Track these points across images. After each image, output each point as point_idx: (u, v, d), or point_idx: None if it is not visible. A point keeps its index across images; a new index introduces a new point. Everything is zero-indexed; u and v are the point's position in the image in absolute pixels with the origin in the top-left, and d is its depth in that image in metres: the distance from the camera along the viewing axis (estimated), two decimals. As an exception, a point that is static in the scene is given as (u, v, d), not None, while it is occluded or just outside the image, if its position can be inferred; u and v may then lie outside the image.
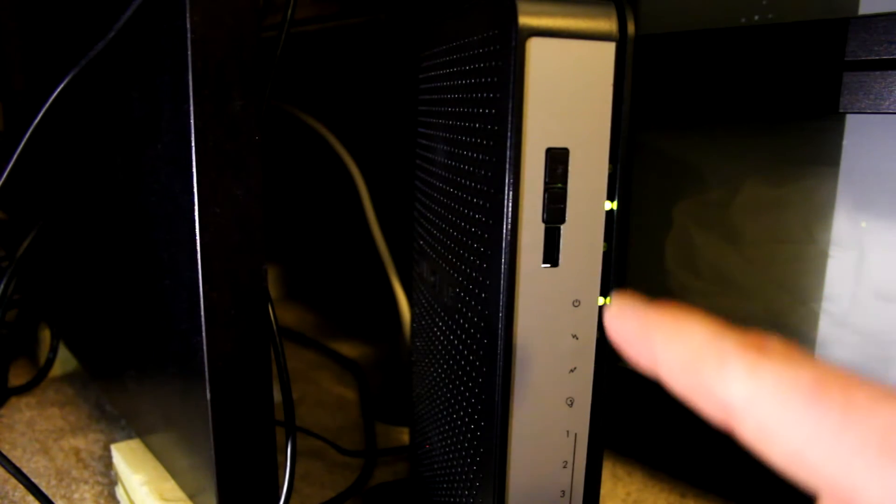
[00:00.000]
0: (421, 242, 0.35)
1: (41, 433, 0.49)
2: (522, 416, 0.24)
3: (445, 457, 0.31)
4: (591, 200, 0.23)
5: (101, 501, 0.41)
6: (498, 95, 0.23)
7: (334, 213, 0.71)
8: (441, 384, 0.31)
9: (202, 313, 0.28)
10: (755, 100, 0.38)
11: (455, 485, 0.30)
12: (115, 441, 0.43)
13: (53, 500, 0.41)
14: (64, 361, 0.57)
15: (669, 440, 0.45)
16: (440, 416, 0.32)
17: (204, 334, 0.28)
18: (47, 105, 0.31)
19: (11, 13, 0.48)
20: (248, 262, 0.28)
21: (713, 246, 0.42)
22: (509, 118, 0.22)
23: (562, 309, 0.24)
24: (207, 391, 0.29)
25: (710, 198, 0.42)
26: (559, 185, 0.23)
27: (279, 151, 0.70)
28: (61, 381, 0.57)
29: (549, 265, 0.23)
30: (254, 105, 0.27)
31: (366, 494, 0.42)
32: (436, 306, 0.31)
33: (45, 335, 0.57)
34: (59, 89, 0.30)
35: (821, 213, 0.37)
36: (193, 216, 0.27)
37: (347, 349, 0.66)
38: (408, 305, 0.53)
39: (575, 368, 0.24)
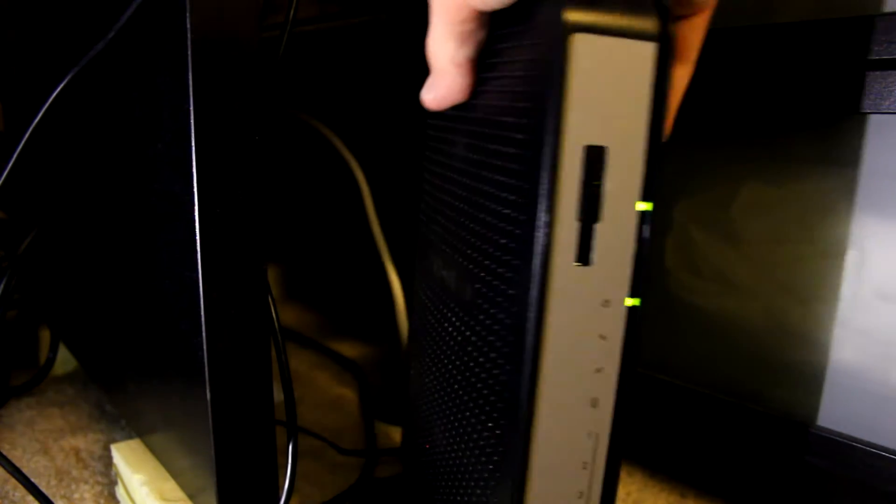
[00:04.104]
0: (431, 237, 0.34)
1: (41, 433, 0.49)
2: (546, 416, 0.24)
3: (455, 455, 0.31)
4: (624, 200, 0.23)
5: (101, 501, 0.41)
6: (536, 89, 0.23)
7: (334, 213, 0.71)
8: (452, 381, 0.31)
9: (202, 313, 0.28)
10: (774, 101, 0.37)
11: (465, 483, 0.30)
12: (115, 441, 0.43)
13: (53, 499, 0.41)
14: (64, 361, 0.57)
15: (669, 440, 0.45)
16: (448, 414, 0.31)
17: (204, 334, 0.28)
18: (47, 105, 0.31)
19: (11, 13, 0.48)
20: (248, 262, 0.28)
21: (713, 246, 0.42)
22: (549, 113, 0.22)
23: (591, 309, 0.24)
24: (207, 391, 0.29)
25: (711, 197, 0.42)
26: (596, 183, 0.23)
27: (280, 151, 0.70)
28: (61, 381, 0.57)
29: (581, 264, 0.23)
30: (254, 105, 0.27)
31: (361, 491, 0.42)
32: (449, 303, 0.31)
33: (45, 335, 0.57)
34: (59, 89, 0.30)
35: (832, 213, 0.37)
36: (193, 216, 0.27)
37: (347, 349, 0.66)
38: (404, 304, 0.53)
39: (601, 369, 0.24)
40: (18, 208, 0.58)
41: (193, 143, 0.26)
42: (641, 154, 0.23)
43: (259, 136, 0.27)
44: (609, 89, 0.22)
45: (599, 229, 0.23)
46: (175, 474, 0.37)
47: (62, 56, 0.39)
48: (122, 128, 0.33)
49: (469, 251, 0.29)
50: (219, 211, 0.27)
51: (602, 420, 0.25)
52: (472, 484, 0.29)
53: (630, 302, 0.24)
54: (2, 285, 0.47)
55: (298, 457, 0.33)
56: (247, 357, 0.30)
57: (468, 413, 0.29)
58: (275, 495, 0.32)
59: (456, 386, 0.30)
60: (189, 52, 0.25)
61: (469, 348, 0.29)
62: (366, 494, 0.42)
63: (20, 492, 0.41)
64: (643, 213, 0.24)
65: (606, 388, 0.25)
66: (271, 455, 0.32)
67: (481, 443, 0.28)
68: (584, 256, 0.23)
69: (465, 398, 0.29)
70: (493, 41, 0.27)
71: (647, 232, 0.24)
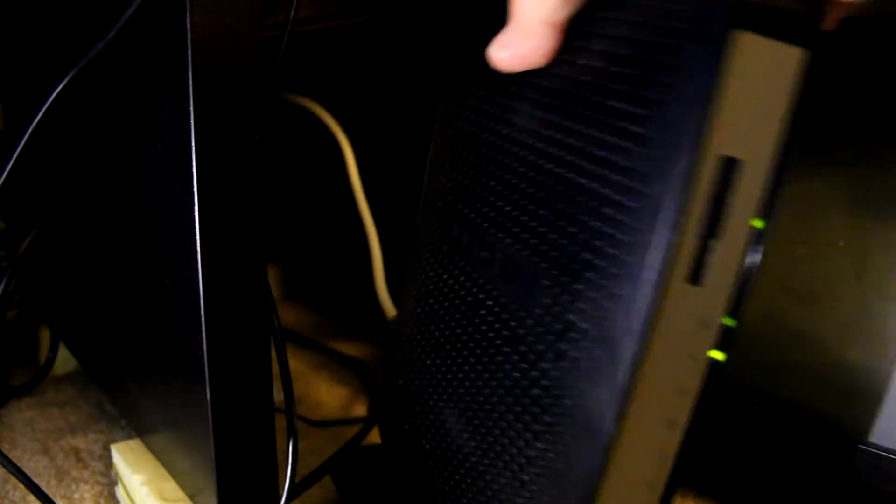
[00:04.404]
0: (454, 210, 0.31)
1: (41, 433, 0.49)
2: (627, 434, 0.23)
3: (487, 463, 0.29)
4: (743, 217, 0.22)
5: (101, 501, 0.41)
6: (668, 81, 0.21)
7: (335, 212, 0.71)
8: (487, 380, 0.29)
9: (202, 313, 0.28)
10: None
11: (499, 495, 0.28)
12: (115, 441, 0.43)
13: (54, 499, 0.41)
14: (64, 361, 0.57)
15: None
16: (482, 416, 0.29)
17: (204, 334, 0.28)
18: (47, 105, 0.31)
19: (11, 13, 0.48)
20: (248, 262, 0.28)
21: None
22: (689, 115, 0.20)
23: (690, 329, 0.22)
24: (207, 391, 0.29)
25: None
26: (724, 197, 0.21)
27: (281, 150, 0.70)
28: (61, 381, 0.57)
29: (691, 284, 0.21)
30: (254, 105, 0.27)
31: (340, 460, 0.41)
32: (489, 288, 0.29)
33: (45, 335, 0.57)
34: (59, 89, 0.30)
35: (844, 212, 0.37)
36: (193, 216, 0.27)
37: (348, 349, 0.66)
38: (383, 272, 0.52)
39: (683, 390, 0.23)
40: (18, 208, 0.58)
41: (193, 143, 0.26)
42: (769, 168, 0.21)
43: (259, 136, 0.27)
44: (757, 96, 0.20)
45: (714, 247, 0.21)
46: (175, 474, 0.37)
47: (62, 56, 0.39)
48: (122, 128, 0.33)
49: (538, 242, 0.26)
50: (219, 211, 0.27)
51: (673, 441, 0.24)
52: (510, 496, 0.28)
53: (727, 322, 0.23)
54: (2, 285, 0.47)
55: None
56: (247, 357, 0.30)
57: (515, 419, 0.27)
58: (275, 495, 0.32)
59: (496, 385, 0.29)
60: (189, 52, 0.25)
61: (524, 349, 0.27)
62: (345, 463, 0.40)
63: (20, 492, 0.41)
64: (757, 231, 0.22)
65: (684, 410, 0.23)
66: (271, 455, 0.32)
67: (531, 453, 0.26)
68: (695, 276, 0.21)
69: (511, 402, 0.27)
70: (633, 25, 0.23)
71: (757, 250, 0.22)
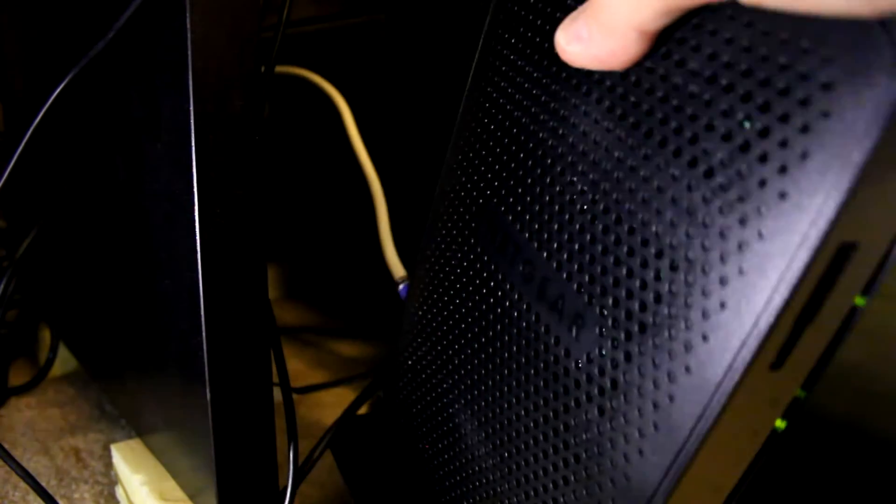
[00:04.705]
0: (507, 214, 0.26)
1: (41, 433, 0.49)
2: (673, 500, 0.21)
3: (501, 476, 0.27)
4: (847, 299, 0.19)
5: (101, 501, 0.41)
6: (809, 150, 0.17)
7: (336, 212, 0.71)
8: (511, 406, 0.26)
9: (202, 313, 0.28)
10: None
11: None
12: (115, 441, 0.43)
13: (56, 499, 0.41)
14: (64, 361, 0.57)
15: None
16: (501, 437, 0.27)
17: (204, 334, 0.28)
18: (47, 105, 0.31)
19: (11, 13, 0.48)
20: (247, 262, 0.28)
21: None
22: (818, 191, 0.16)
23: (759, 407, 0.20)
24: (207, 391, 0.29)
25: None
26: (832, 283, 0.18)
27: (282, 147, 0.70)
28: (61, 381, 0.57)
29: (773, 369, 0.19)
30: (254, 105, 0.27)
31: (336, 434, 0.40)
32: (529, 305, 0.25)
33: (45, 335, 0.57)
34: (59, 89, 0.30)
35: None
36: (193, 216, 0.27)
37: (348, 349, 0.66)
38: (398, 259, 0.50)
39: (737, 462, 0.22)
40: (19, 208, 0.58)
41: (193, 143, 0.26)
42: (885, 248, 0.18)
43: (259, 136, 0.27)
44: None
45: (808, 331, 0.19)
46: (175, 474, 0.37)
47: (62, 56, 0.39)
48: (122, 127, 0.33)
49: (589, 282, 0.22)
50: (219, 211, 0.27)
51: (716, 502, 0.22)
52: None
53: (800, 394, 0.21)
54: (2, 285, 0.47)
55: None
56: (247, 357, 0.30)
57: (543, 456, 0.25)
58: (275, 495, 0.32)
59: (524, 414, 0.26)
60: (189, 52, 0.25)
61: (559, 389, 0.24)
62: (343, 434, 0.40)
63: (20, 492, 0.41)
64: (855, 309, 0.19)
65: (732, 478, 0.22)
66: (271, 455, 0.32)
67: (559, 497, 0.24)
68: (780, 362, 0.19)
69: (541, 439, 0.25)
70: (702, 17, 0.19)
71: (849, 327, 0.20)
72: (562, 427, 0.24)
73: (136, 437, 0.42)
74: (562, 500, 0.24)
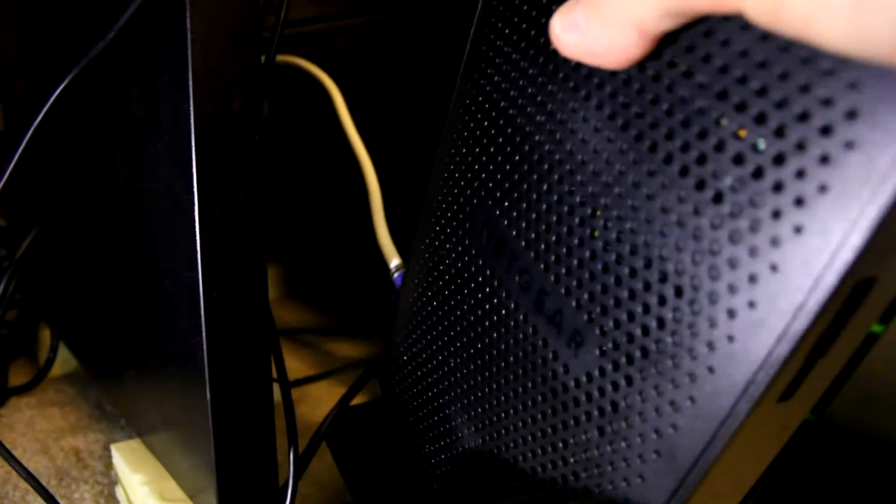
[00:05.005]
0: (502, 219, 0.25)
1: (41, 433, 0.49)
2: None
3: (499, 479, 0.27)
4: (862, 331, 0.18)
5: (101, 501, 0.41)
6: (829, 183, 0.15)
7: (335, 212, 0.71)
8: (508, 417, 0.26)
9: (202, 313, 0.28)
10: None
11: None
12: (115, 441, 0.43)
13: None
14: (64, 361, 0.57)
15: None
16: (499, 446, 0.27)
17: (204, 334, 0.28)
18: (48, 106, 0.31)
19: (12, 13, 0.48)
20: (248, 262, 0.28)
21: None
22: (836, 226, 0.15)
23: (767, 435, 0.20)
24: (207, 391, 0.29)
25: None
26: (847, 315, 0.17)
27: (282, 144, 0.70)
28: (61, 381, 0.57)
29: (782, 401, 0.18)
30: (254, 105, 0.27)
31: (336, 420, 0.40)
32: (519, 307, 0.25)
33: (45, 335, 0.57)
34: (59, 89, 0.30)
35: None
36: (193, 216, 0.27)
37: (347, 349, 0.66)
38: (392, 246, 0.49)
39: (740, 484, 0.21)
40: (18, 208, 0.58)
41: (193, 143, 0.26)
42: None
43: (259, 136, 0.27)
44: None
45: (820, 364, 0.18)
46: (175, 474, 0.37)
47: (62, 56, 0.39)
48: (122, 127, 0.33)
49: (588, 301, 0.21)
50: (219, 211, 0.27)
51: None
52: None
53: (806, 417, 0.20)
54: (2, 285, 0.47)
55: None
56: (246, 357, 0.30)
57: (542, 470, 0.24)
58: (275, 495, 0.32)
59: (522, 426, 0.25)
60: (189, 52, 0.25)
61: (557, 405, 0.23)
62: (338, 422, 0.39)
63: (20, 492, 0.41)
64: (872, 336, 0.19)
65: (734, 500, 0.21)
66: (271, 455, 0.32)
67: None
68: (789, 394, 0.18)
69: (540, 454, 0.24)
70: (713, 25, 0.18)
71: (863, 355, 0.19)
72: (560, 444, 0.23)
73: (136, 437, 0.42)
74: None
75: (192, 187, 0.26)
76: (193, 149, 0.26)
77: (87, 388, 0.55)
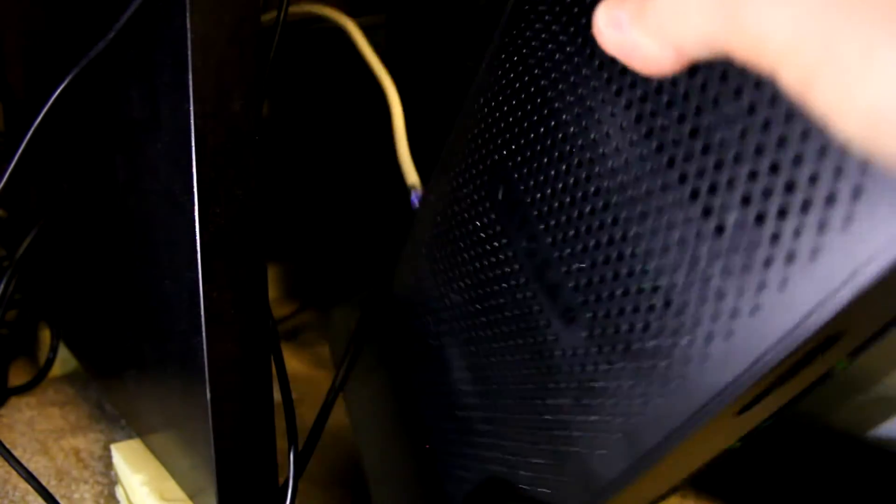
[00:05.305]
0: (519, 183, 0.25)
1: (41, 433, 0.49)
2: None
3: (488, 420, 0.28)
4: (820, 369, 0.19)
5: (101, 501, 0.41)
6: (822, 252, 0.16)
7: (336, 211, 0.71)
8: (503, 366, 0.27)
9: (202, 313, 0.28)
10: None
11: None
12: (115, 441, 0.43)
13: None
14: (64, 361, 0.57)
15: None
16: (492, 392, 0.28)
17: (204, 334, 0.28)
18: (48, 106, 0.31)
19: (11, 13, 0.48)
20: (248, 262, 0.28)
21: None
22: (820, 300, 0.16)
23: (718, 440, 0.22)
24: (207, 391, 0.29)
25: None
26: (811, 359, 0.18)
27: (282, 144, 0.70)
28: (61, 381, 0.57)
29: (738, 414, 0.20)
30: (254, 105, 0.27)
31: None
32: (533, 289, 0.25)
33: (45, 335, 0.57)
34: (59, 90, 0.30)
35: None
36: (193, 216, 0.27)
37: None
38: (412, 166, 0.48)
39: (677, 476, 0.24)
40: (19, 208, 0.58)
41: (193, 143, 0.26)
42: (872, 332, 0.19)
43: (258, 136, 0.27)
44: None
45: (778, 390, 0.19)
46: (175, 474, 0.37)
47: (62, 56, 0.39)
48: (122, 127, 0.33)
49: (587, 285, 0.22)
50: (219, 211, 0.27)
51: None
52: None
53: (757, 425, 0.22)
54: (2, 285, 0.47)
55: (298, 457, 0.33)
56: (246, 357, 0.30)
57: (529, 427, 0.26)
58: (275, 495, 0.32)
59: (515, 382, 0.26)
60: (189, 52, 0.25)
61: (545, 369, 0.24)
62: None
63: (20, 492, 0.41)
64: (832, 370, 0.20)
65: (680, 479, 0.24)
66: (271, 455, 0.32)
67: (536, 460, 0.26)
68: (746, 409, 0.19)
69: (528, 410, 0.26)
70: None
71: (819, 385, 0.20)
72: (539, 401, 0.25)
73: (136, 437, 0.42)
74: (533, 460, 0.26)
75: (192, 187, 0.26)
76: (193, 149, 0.26)
77: (87, 388, 0.55)
